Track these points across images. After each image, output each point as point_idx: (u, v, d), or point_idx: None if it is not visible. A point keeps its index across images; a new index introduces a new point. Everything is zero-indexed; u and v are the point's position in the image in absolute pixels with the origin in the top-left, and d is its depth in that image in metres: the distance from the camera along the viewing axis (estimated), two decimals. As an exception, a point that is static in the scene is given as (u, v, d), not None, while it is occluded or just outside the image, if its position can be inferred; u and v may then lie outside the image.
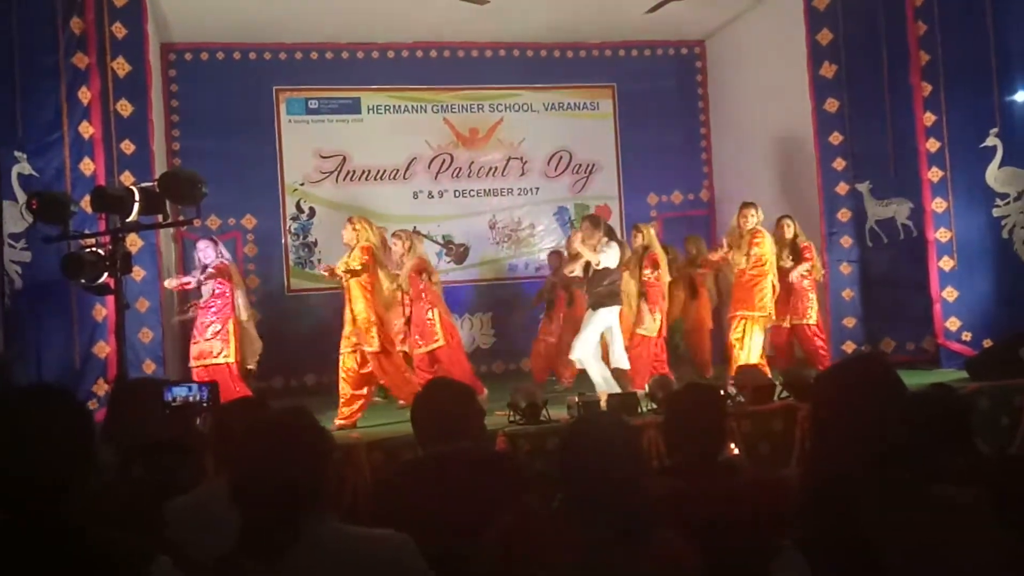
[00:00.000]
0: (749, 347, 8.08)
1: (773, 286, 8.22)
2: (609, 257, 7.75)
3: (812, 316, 8.57)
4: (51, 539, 1.82)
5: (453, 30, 10.63)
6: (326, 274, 7.67)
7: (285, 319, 10.32)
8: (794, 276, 8.55)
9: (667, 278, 8.53)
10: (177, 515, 2.85)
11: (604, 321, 7.77)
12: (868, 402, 2.10)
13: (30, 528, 1.81)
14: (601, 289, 7.76)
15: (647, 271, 8.37)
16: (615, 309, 7.83)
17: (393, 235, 8.46)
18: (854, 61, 8.94)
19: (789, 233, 8.71)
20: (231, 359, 7.78)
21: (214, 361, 7.71)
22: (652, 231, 8.84)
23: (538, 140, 11.56)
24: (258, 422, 2.19)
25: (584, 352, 7.71)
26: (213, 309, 7.85)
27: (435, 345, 7.96)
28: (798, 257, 8.68)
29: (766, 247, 8.21)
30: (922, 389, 3.12)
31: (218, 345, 7.77)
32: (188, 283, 8.23)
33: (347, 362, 7.30)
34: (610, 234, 8.03)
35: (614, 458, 2.27)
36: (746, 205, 8.40)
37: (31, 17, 7.14)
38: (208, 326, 7.80)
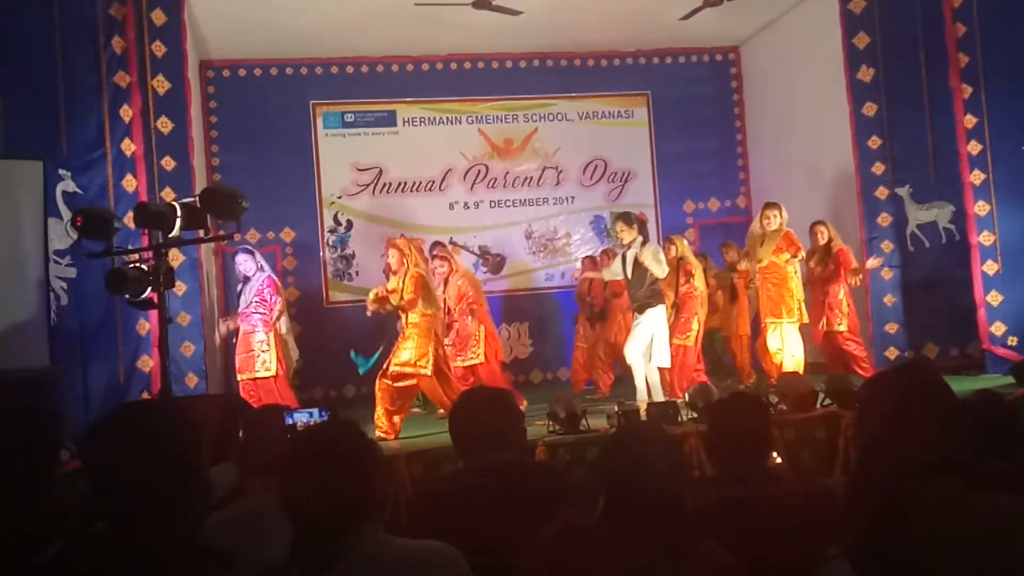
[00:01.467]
0: (791, 353, 8.01)
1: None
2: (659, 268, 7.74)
3: (843, 323, 8.30)
4: (161, 551, 1.86)
5: (487, 41, 10.68)
6: (373, 306, 7.41)
7: (324, 331, 10.40)
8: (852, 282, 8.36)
9: (702, 287, 8.50)
10: (220, 527, 2.86)
11: (652, 321, 7.75)
12: (915, 410, 2.08)
13: (140, 539, 1.85)
14: (644, 291, 7.74)
15: (681, 282, 8.36)
16: (660, 308, 7.81)
17: (435, 256, 8.48)
18: (892, 64, 8.85)
19: (822, 239, 8.46)
20: (274, 371, 7.77)
21: (259, 375, 7.72)
22: (685, 242, 8.83)
23: (573, 149, 11.57)
24: (309, 434, 2.21)
25: (636, 355, 7.74)
26: (256, 319, 7.86)
27: (473, 361, 8.03)
28: (830, 262, 8.38)
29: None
30: (969, 396, 3.08)
31: (263, 357, 7.78)
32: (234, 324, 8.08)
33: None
34: (645, 233, 8.01)
35: (656, 468, 2.25)
36: (768, 206, 8.31)
37: (73, 37, 7.29)
38: (251, 335, 7.81)
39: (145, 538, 1.86)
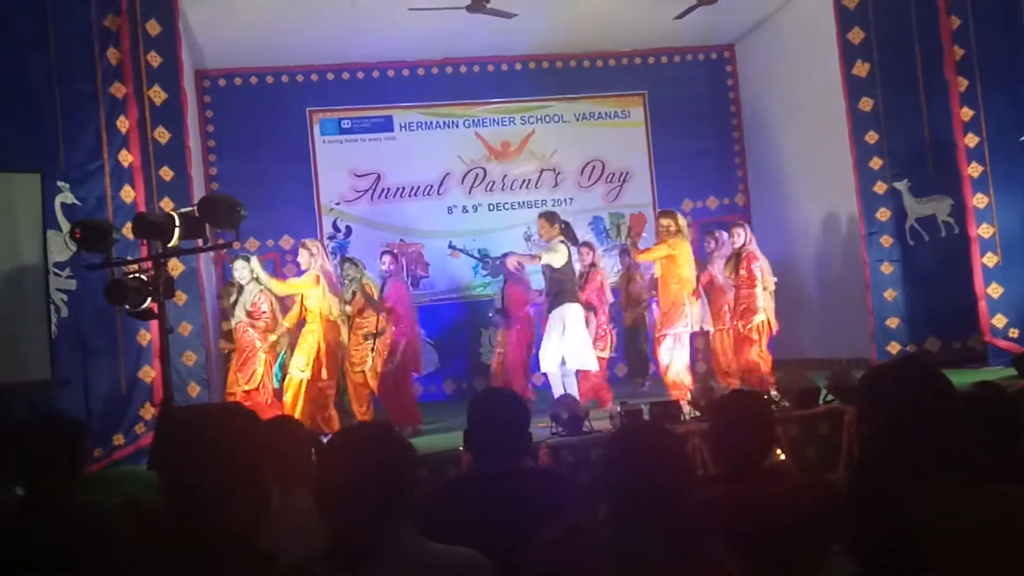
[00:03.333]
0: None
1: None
2: (556, 257, 7.62)
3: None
4: (216, 542, 1.90)
5: (481, 45, 10.69)
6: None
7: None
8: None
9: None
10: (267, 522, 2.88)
11: (557, 321, 7.63)
12: (915, 404, 2.08)
13: (197, 529, 1.90)
14: (549, 288, 7.71)
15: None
16: (568, 307, 7.63)
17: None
18: (887, 59, 8.86)
19: (738, 242, 8.32)
20: (255, 385, 7.79)
21: (245, 388, 7.76)
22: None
23: (570, 151, 11.58)
24: (344, 435, 2.25)
25: (547, 361, 7.62)
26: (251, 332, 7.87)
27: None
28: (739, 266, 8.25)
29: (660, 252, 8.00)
30: (969, 388, 3.07)
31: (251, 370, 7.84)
32: None
33: None
34: (565, 232, 7.79)
35: (659, 468, 2.25)
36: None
37: (68, 49, 7.27)
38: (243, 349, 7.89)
39: (201, 535, 1.90)
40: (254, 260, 7.98)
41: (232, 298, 8.02)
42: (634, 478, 2.24)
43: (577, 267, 8.24)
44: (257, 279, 7.78)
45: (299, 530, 2.64)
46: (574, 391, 7.45)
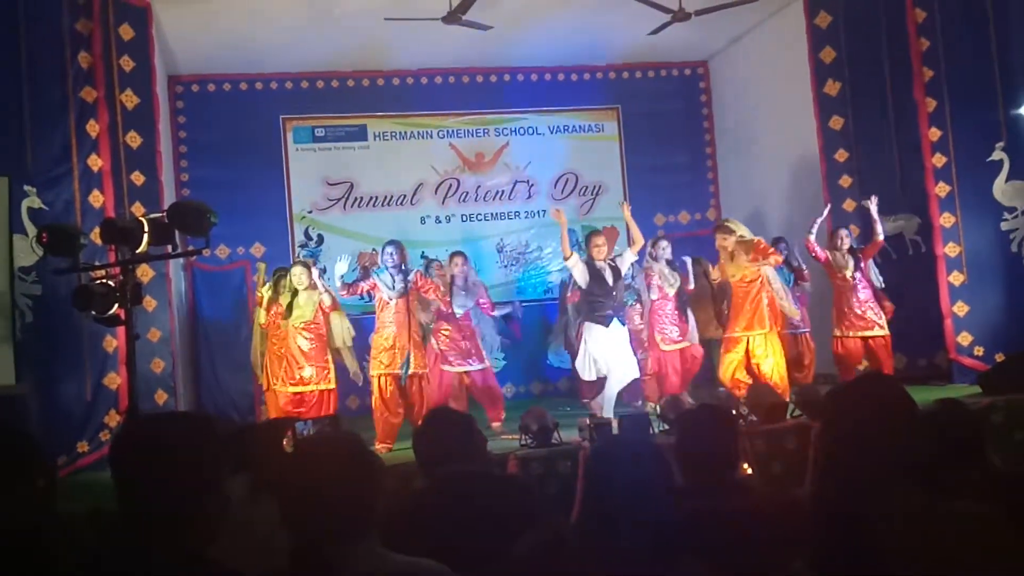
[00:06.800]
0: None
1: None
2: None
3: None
4: (183, 567, 1.87)
5: (457, 56, 10.69)
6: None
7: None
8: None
9: None
10: (228, 534, 2.84)
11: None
12: (878, 420, 2.10)
13: (161, 555, 1.86)
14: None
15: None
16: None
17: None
18: (858, 78, 8.97)
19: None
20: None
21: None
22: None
23: (544, 163, 11.61)
24: (310, 446, 2.22)
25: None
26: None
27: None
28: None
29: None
30: (932, 405, 3.10)
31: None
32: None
33: None
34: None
35: (642, 478, 2.25)
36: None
37: (39, 52, 7.21)
38: None
39: (157, 552, 1.86)
40: (315, 269, 8.11)
41: (287, 300, 7.88)
42: (616, 488, 2.24)
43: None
44: (316, 286, 7.82)
45: (269, 542, 2.61)
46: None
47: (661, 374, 8.55)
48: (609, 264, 7.82)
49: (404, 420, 7.45)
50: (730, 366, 8.01)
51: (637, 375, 7.91)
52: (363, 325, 8.87)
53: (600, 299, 7.70)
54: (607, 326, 7.66)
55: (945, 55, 8.26)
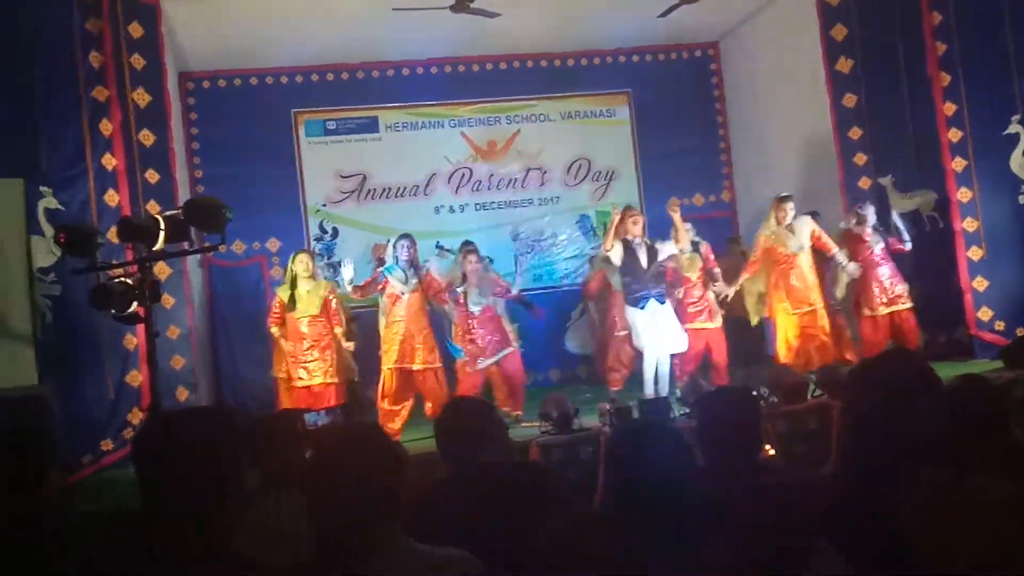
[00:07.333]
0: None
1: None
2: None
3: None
4: (207, 561, 1.88)
5: (466, 44, 10.68)
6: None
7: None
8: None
9: None
10: (245, 527, 2.86)
11: None
12: (901, 397, 2.08)
13: (185, 550, 1.88)
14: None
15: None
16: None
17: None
18: (870, 55, 8.90)
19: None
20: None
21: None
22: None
23: (556, 150, 11.58)
24: (335, 435, 2.23)
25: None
26: None
27: None
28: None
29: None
30: (955, 381, 3.09)
31: None
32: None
33: None
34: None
35: (665, 462, 2.25)
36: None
37: (50, 53, 7.24)
38: None
39: (181, 541, 1.89)
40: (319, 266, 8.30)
41: (287, 294, 7.84)
42: (639, 473, 2.24)
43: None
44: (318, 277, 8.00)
45: (289, 533, 2.62)
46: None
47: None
48: (646, 243, 7.74)
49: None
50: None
51: (684, 348, 7.81)
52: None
53: (634, 280, 7.65)
54: (642, 308, 7.59)
55: (958, 29, 8.18)
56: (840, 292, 8.37)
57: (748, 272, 8.31)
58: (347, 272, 7.53)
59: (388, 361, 7.45)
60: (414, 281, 7.47)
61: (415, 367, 7.42)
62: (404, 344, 7.41)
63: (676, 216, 7.70)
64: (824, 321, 8.01)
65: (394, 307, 7.52)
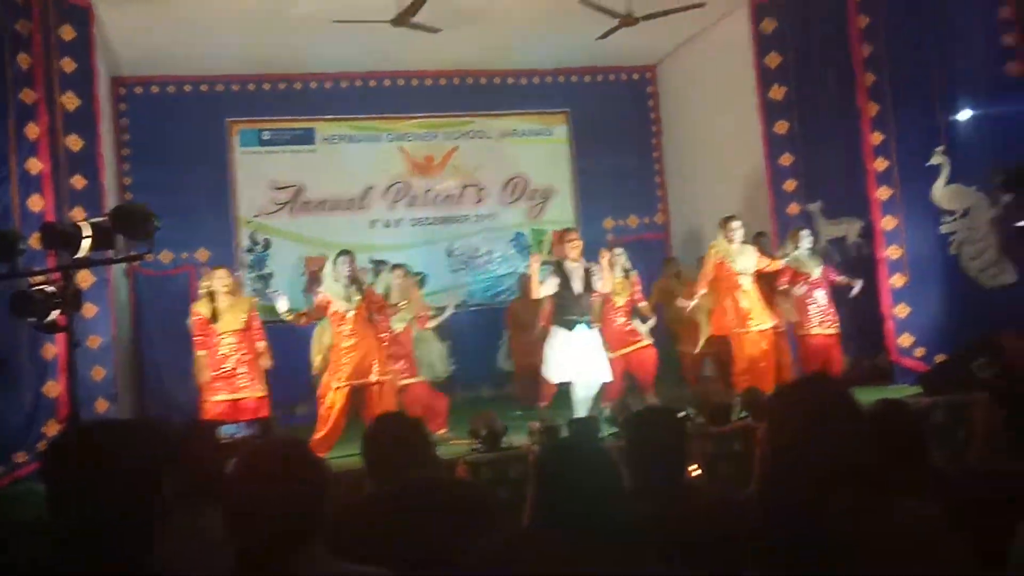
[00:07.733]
0: None
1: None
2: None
3: None
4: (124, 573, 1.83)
5: (405, 59, 10.66)
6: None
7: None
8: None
9: None
10: (169, 541, 2.79)
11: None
12: (820, 421, 2.12)
13: (98, 563, 1.81)
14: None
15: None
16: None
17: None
18: (802, 83, 9.09)
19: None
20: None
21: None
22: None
23: (493, 167, 11.61)
24: (256, 452, 2.18)
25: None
26: None
27: None
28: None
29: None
30: (875, 406, 3.15)
31: None
32: None
33: None
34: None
35: (593, 481, 2.25)
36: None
37: (-26, 54, 7.05)
38: None
39: (98, 559, 1.82)
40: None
41: (207, 309, 7.61)
42: (571, 491, 2.23)
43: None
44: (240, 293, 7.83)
45: (208, 550, 2.56)
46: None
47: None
48: (583, 266, 7.65)
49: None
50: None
51: (608, 379, 7.74)
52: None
53: (566, 303, 7.60)
54: (571, 330, 7.55)
55: (888, 60, 8.37)
56: (792, 316, 8.51)
57: (702, 286, 8.36)
58: (281, 304, 7.39)
59: (338, 380, 7.24)
60: (357, 298, 7.34)
61: (372, 379, 7.26)
62: (361, 363, 7.23)
63: (604, 261, 7.72)
64: (767, 343, 8.11)
65: (340, 326, 7.33)
